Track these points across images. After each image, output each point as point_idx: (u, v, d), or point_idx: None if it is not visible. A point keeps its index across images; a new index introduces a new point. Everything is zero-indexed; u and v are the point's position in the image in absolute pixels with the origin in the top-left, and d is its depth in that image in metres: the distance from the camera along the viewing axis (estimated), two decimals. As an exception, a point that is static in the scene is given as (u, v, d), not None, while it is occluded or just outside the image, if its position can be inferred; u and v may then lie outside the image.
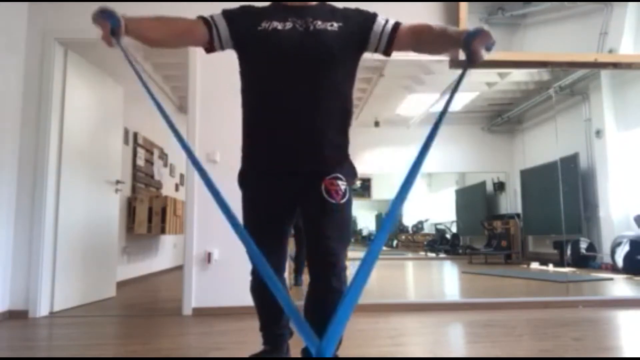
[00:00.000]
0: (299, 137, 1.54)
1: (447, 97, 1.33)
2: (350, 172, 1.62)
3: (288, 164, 1.56)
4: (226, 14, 1.61)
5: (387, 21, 1.59)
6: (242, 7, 1.63)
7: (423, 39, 1.56)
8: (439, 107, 6.90)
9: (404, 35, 1.57)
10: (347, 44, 1.56)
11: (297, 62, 1.51)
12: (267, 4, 1.67)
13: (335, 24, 1.56)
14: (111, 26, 1.43)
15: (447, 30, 1.50)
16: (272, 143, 1.57)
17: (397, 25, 1.59)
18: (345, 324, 1.13)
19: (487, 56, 1.40)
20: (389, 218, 1.14)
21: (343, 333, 1.62)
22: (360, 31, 1.58)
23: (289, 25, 1.53)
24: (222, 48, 1.62)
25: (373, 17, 1.60)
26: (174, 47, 1.71)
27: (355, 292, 1.11)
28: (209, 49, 1.62)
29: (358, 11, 1.63)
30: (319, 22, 1.54)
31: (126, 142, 5.41)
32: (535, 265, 6.61)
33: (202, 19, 1.60)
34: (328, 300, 1.43)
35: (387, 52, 1.62)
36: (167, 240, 7.14)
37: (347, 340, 1.62)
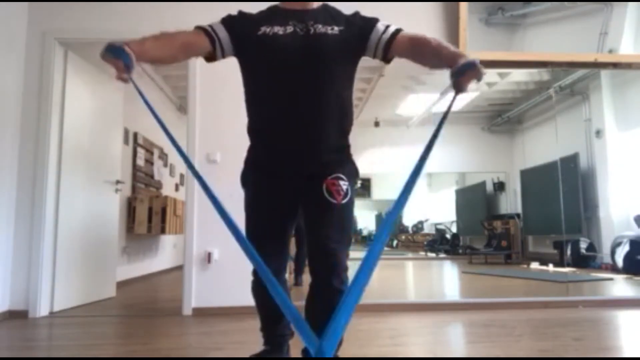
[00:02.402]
0: (300, 141, 1.55)
1: (437, 123, 1.32)
2: (352, 172, 1.63)
3: (290, 167, 1.57)
4: (225, 21, 1.60)
5: (387, 28, 1.58)
6: (240, 13, 1.63)
7: (418, 52, 1.54)
8: (439, 107, 6.92)
9: (402, 43, 1.55)
10: (347, 48, 1.57)
11: (298, 66, 1.52)
12: (268, 4, 1.67)
13: (336, 28, 1.56)
14: (124, 63, 1.39)
15: (442, 51, 1.46)
16: (274, 147, 1.58)
17: (396, 32, 1.57)
18: (345, 324, 1.14)
19: (475, 86, 1.38)
20: (388, 224, 1.15)
21: (344, 333, 1.63)
22: (359, 36, 1.58)
23: (289, 29, 1.54)
24: (224, 56, 1.61)
25: (373, 23, 1.59)
26: (179, 62, 1.67)
27: (355, 293, 1.12)
28: (210, 58, 1.61)
29: (360, 16, 1.63)
30: (320, 26, 1.54)
31: (126, 142, 5.41)
32: (535, 265, 6.60)
33: (202, 29, 1.58)
34: (329, 300, 1.43)
35: (385, 59, 1.61)
36: (167, 240, 7.14)
37: (347, 340, 1.62)
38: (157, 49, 1.51)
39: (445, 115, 1.32)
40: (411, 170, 1.22)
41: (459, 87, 1.35)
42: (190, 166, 1.41)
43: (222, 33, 1.57)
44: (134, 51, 1.40)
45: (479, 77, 1.33)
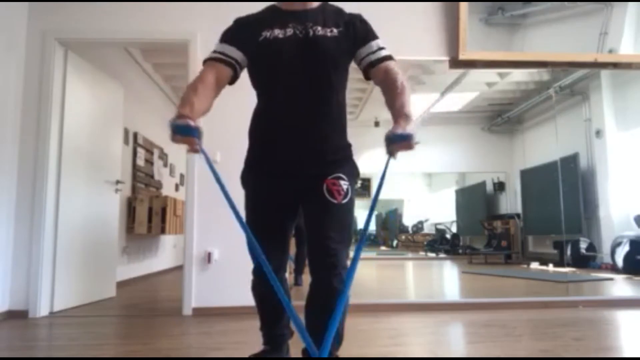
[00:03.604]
0: (301, 141, 1.56)
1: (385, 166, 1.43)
2: (352, 172, 1.63)
3: (291, 167, 1.57)
4: (230, 38, 1.59)
5: (379, 49, 1.58)
6: (238, 23, 1.63)
7: (383, 89, 1.55)
8: (439, 107, 6.92)
9: (378, 73, 1.56)
10: (344, 50, 1.58)
11: (298, 69, 1.53)
12: (268, 4, 1.67)
13: (335, 30, 1.56)
14: (196, 138, 1.40)
15: (395, 104, 1.47)
16: (274, 147, 1.58)
17: (383, 59, 1.57)
18: (336, 324, 1.17)
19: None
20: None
21: (343, 333, 1.63)
22: (353, 41, 1.58)
23: (289, 32, 1.54)
24: (242, 70, 1.62)
25: (370, 38, 1.59)
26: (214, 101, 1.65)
27: (345, 293, 1.16)
28: (233, 80, 1.61)
29: (361, 22, 1.63)
30: (319, 28, 1.55)
31: (126, 142, 5.41)
32: (535, 265, 6.60)
33: (215, 60, 1.56)
34: (329, 300, 1.43)
35: (365, 76, 1.63)
36: (167, 240, 7.14)
37: (347, 340, 1.63)
38: (203, 103, 1.51)
39: (383, 175, 1.42)
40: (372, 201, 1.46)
41: (389, 152, 1.41)
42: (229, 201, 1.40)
43: (235, 52, 1.57)
44: (191, 118, 1.40)
45: (410, 149, 1.38)
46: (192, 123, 1.38)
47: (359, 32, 1.59)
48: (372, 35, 1.60)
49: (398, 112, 1.44)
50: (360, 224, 9.24)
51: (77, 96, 3.78)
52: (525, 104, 7.31)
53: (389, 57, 1.58)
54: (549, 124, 6.48)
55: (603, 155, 5.90)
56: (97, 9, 3.54)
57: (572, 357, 2.16)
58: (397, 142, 1.37)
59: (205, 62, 1.59)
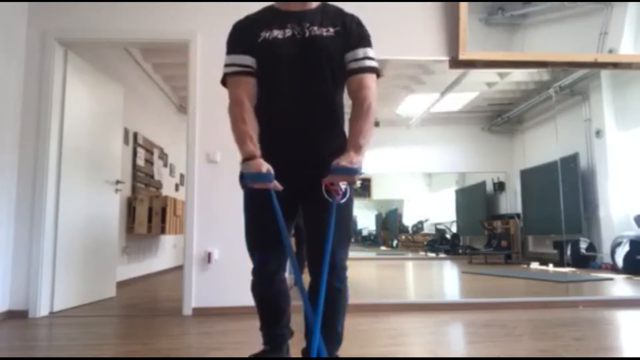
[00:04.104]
0: (300, 142, 1.57)
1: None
2: None
3: (290, 167, 1.57)
4: (234, 47, 1.60)
5: (363, 58, 1.56)
6: (236, 28, 1.63)
7: (352, 103, 1.55)
8: (439, 107, 6.92)
9: (352, 84, 1.56)
10: (341, 50, 1.57)
11: (296, 69, 1.54)
12: (267, 4, 1.67)
13: (332, 29, 1.56)
14: (272, 181, 1.46)
15: (352, 129, 1.49)
16: (273, 148, 1.58)
17: (363, 69, 1.55)
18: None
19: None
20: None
21: (343, 333, 1.63)
22: (346, 41, 1.57)
23: (288, 32, 1.55)
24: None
25: (361, 44, 1.57)
26: None
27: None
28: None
29: (357, 25, 1.61)
30: (315, 29, 1.56)
31: (126, 142, 5.41)
32: (535, 265, 6.60)
33: (236, 74, 1.57)
34: (328, 300, 1.43)
35: (343, 81, 1.61)
36: (167, 240, 7.14)
37: (347, 340, 1.63)
38: (255, 128, 1.53)
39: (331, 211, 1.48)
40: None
41: (327, 181, 1.46)
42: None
43: (247, 59, 1.57)
44: (257, 154, 1.46)
45: (351, 181, 1.46)
46: (264, 169, 1.44)
47: (352, 35, 1.58)
48: (363, 42, 1.58)
49: (353, 139, 1.47)
50: (360, 224, 9.27)
51: (77, 96, 3.78)
52: (525, 104, 7.31)
53: (370, 69, 1.56)
54: (549, 124, 6.48)
55: (603, 155, 5.90)
56: (97, 9, 3.54)
57: (572, 357, 2.16)
58: (340, 174, 1.42)
59: (225, 79, 1.60)
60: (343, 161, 1.41)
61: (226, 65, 1.60)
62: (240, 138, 1.49)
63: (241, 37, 1.60)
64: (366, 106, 1.50)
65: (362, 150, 1.45)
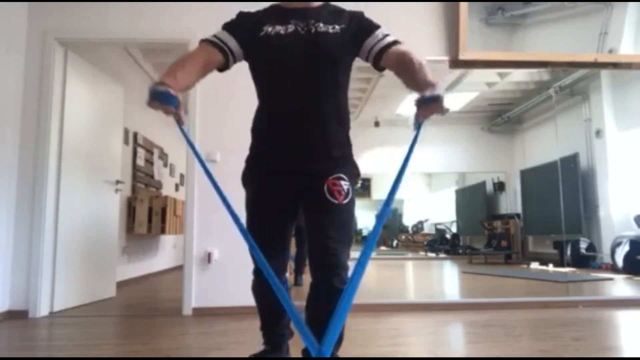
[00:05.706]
0: (302, 140, 1.56)
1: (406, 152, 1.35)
2: (353, 172, 1.63)
3: (291, 166, 1.57)
4: (230, 28, 1.59)
5: (385, 36, 1.56)
6: (241, 16, 1.63)
7: (401, 70, 1.52)
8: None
9: (392, 56, 1.54)
10: (347, 47, 1.57)
11: (299, 65, 1.52)
12: (268, 4, 1.67)
13: (337, 27, 1.56)
14: (174, 106, 1.39)
15: (418, 76, 1.43)
16: (275, 146, 1.58)
17: (392, 43, 1.55)
18: (341, 324, 1.15)
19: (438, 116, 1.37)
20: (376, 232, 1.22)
21: (343, 333, 1.63)
22: (357, 36, 1.57)
23: (291, 28, 1.54)
24: (235, 62, 1.61)
25: (374, 28, 1.58)
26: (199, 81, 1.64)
27: (351, 293, 1.13)
28: (223, 68, 1.61)
29: (363, 17, 1.62)
30: (321, 25, 1.55)
31: (126, 142, 5.41)
32: (535, 265, 6.60)
33: (210, 42, 1.56)
34: (329, 300, 1.43)
35: (376, 66, 1.60)
36: (167, 240, 7.14)
37: (347, 340, 1.62)
38: (187, 78, 1.51)
39: (408, 156, 1.35)
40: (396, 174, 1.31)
41: (420, 116, 1.36)
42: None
43: (231, 42, 1.56)
44: (172, 87, 1.40)
45: (440, 111, 1.32)
46: (172, 91, 1.38)
47: (362, 24, 1.59)
48: (375, 26, 1.59)
49: (423, 82, 1.40)
50: (360, 224, 9.28)
51: (77, 96, 3.78)
52: (525, 104, 7.31)
53: (397, 42, 1.56)
54: (549, 124, 6.48)
55: (603, 155, 5.90)
56: (97, 9, 3.54)
57: (572, 357, 2.16)
58: (427, 104, 1.32)
59: (200, 42, 1.59)
60: (428, 91, 1.33)
61: (211, 35, 1.58)
62: (168, 71, 1.45)
63: (241, 26, 1.59)
64: (417, 62, 1.46)
65: (437, 87, 1.35)
